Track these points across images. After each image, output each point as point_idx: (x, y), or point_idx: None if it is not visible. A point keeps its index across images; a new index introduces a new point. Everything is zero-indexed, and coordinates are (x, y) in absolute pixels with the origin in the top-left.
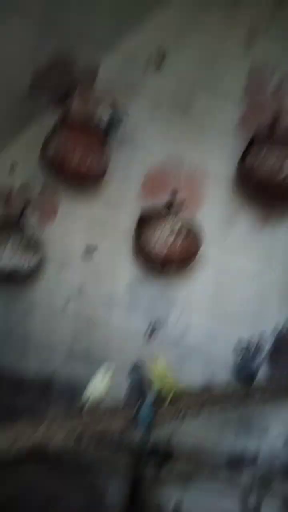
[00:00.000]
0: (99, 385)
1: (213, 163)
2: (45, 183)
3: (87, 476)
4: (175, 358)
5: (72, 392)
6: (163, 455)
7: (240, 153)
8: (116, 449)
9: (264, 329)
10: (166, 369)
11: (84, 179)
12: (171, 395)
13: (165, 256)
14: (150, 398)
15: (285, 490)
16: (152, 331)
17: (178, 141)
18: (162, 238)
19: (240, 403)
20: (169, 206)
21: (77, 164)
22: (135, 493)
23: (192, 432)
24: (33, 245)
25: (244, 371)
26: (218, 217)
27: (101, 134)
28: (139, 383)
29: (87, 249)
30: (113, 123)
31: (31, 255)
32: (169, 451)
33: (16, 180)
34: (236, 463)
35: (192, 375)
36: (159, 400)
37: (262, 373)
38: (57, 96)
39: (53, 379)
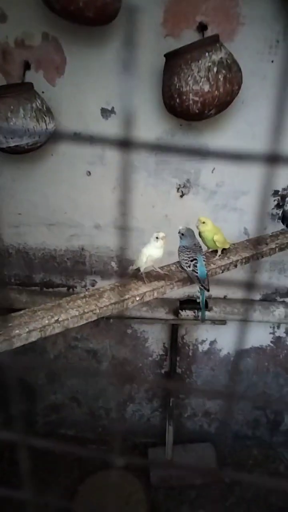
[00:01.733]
0: (153, 252)
1: None
2: (45, 32)
3: (129, 328)
4: (210, 216)
5: (105, 261)
6: (198, 304)
7: None
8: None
9: None
10: (213, 225)
11: (96, 19)
12: (221, 248)
13: (204, 100)
14: (201, 257)
15: None
16: (183, 190)
17: None
18: (199, 76)
19: (284, 246)
20: (202, 39)
21: (85, 2)
22: (173, 339)
23: (227, 281)
24: (45, 111)
25: (284, 219)
26: (257, 48)
27: None
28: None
29: (104, 109)
30: None
31: (45, 124)
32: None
33: (10, 33)
34: (268, 300)
35: (229, 231)
36: (209, 255)
37: None
38: None
39: (85, 251)
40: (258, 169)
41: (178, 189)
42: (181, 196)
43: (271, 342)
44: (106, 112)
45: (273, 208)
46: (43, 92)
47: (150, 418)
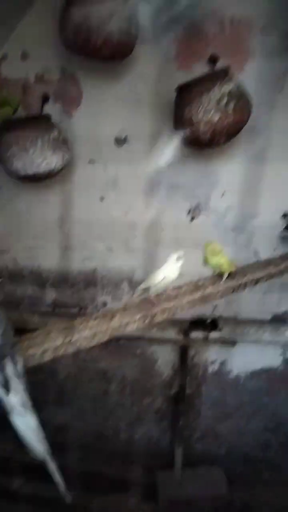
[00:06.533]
0: (170, 273)
1: (259, 11)
2: (63, 67)
3: (139, 349)
4: (219, 239)
5: (116, 282)
6: (209, 325)
7: None
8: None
9: None
10: (220, 249)
11: (112, 56)
12: (227, 273)
13: (214, 130)
14: None
15: None
16: (193, 214)
17: None
18: (210, 107)
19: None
20: (213, 71)
21: (102, 42)
22: (183, 360)
23: (236, 301)
24: (62, 141)
25: None
26: (268, 77)
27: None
28: None
29: (118, 138)
30: None
31: (61, 152)
32: (214, 321)
33: (30, 70)
34: (278, 321)
35: (236, 253)
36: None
37: None
38: None
39: (97, 272)
40: (267, 192)
41: (188, 212)
42: (192, 219)
43: (282, 363)
44: (119, 141)
45: (282, 230)
46: (60, 123)
47: (159, 440)
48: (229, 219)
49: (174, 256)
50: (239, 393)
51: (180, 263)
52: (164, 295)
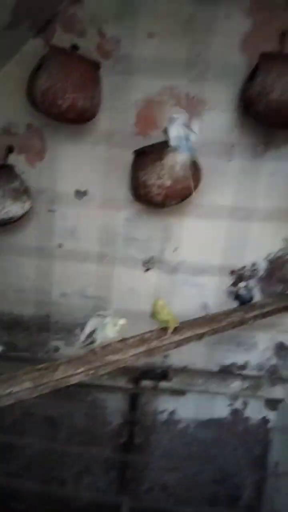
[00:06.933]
0: (109, 333)
1: (213, 90)
2: (30, 123)
3: (88, 396)
4: (171, 291)
5: (69, 328)
6: (159, 375)
7: (244, 78)
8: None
9: (258, 256)
10: (165, 305)
11: (76, 120)
12: (172, 328)
13: (166, 193)
14: None
15: (267, 394)
16: (147, 266)
17: (173, 69)
18: (163, 174)
19: (238, 323)
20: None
21: (69, 105)
22: (133, 407)
23: (186, 352)
24: (23, 191)
25: (240, 297)
26: (218, 147)
27: (93, 67)
28: None
29: (78, 191)
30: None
31: (21, 202)
32: (165, 371)
33: None
34: (226, 372)
35: (186, 305)
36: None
37: (256, 296)
38: (40, 24)
39: (50, 318)
40: (217, 249)
41: (143, 264)
42: (146, 271)
43: (230, 414)
44: (79, 194)
45: (229, 286)
46: (23, 173)
47: (106, 491)
48: (181, 273)
49: (119, 322)
50: (187, 443)
51: (120, 327)
52: (110, 347)
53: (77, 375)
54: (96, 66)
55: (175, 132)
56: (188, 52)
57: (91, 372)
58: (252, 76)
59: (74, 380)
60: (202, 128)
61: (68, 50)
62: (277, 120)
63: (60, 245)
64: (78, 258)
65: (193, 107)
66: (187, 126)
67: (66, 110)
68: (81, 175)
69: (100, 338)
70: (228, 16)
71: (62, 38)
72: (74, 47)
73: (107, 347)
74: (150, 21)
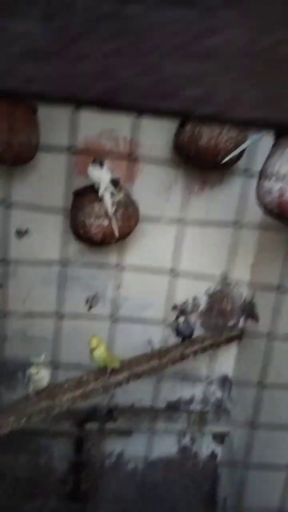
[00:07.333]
0: (42, 376)
1: (148, 135)
2: None
3: (31, 443)
4: (113, 328)
5: (10, 372)
6: (104, 416)
7: (176, 124)
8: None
9: (198, 291)
10: (101, 343)
11: (13, 163)
12: (110, 368)
13: (104, 232)
14: None
15: (215, 429)
16: (91, 303)
17: (112, 115)
18: (100, 213)
19: (178, 358)
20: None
21: (5, 146)
22: (79, 452)
23: (132, 390)
24: None
25: (181, 331)
26: (154, 188)
27: (30, 110)
28: None
29: (19, 230)
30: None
31: None
32: (110, 411)
33: None
34: (173, 408)
35: (131, 341)
36: (101, 371)
37: (197, 331)
38: None
39: None
40: (159, 285)
41: (86, 302)
42: (89, 309)
43: (178, 451)
44: (20, 233)
45: (173, 321)
46: None
47: None
48: (124, 309)
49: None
50: (137, 485)
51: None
52: (44, 392)
53: (8, 425)
54: (32, 109)
55: (97, 176)
56: None
57: (23, 420)
58: (182, 123)
59: (5, 430)
60: (143, 169)
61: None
62: (207, 164)
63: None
64: (19, 298)
65: (131, 149)
66: (108, 169)
67: (2, 153)
68: (22, 215)
69: (34, 384)
70: None
71: None
72: None
73: (41, 393)
74: None
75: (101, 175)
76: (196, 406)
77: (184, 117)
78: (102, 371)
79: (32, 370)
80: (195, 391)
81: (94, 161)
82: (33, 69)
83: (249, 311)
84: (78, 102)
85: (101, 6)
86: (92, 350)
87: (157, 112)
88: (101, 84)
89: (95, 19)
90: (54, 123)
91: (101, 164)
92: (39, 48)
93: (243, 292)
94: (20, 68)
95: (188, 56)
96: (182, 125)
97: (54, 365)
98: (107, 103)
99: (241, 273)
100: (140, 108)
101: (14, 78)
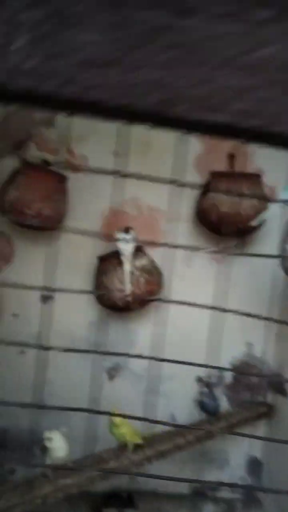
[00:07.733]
0: (59, 449)
1: (171, 202)
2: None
3: None
4: (136, 399)
5: (29, 442)
6: (124, 501)
7: (198, 192)
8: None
9: (223, 363)
10: (122, 420)
11: (43, 227)
12: (132, 445)
13: (128, 297)
14: None
15: None
16: (112, 373)
17: (136, 183)
18: (124, 277)
19: (204, 437)
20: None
21: (36, 213)
22: None
23: (154, 472)
24: None
25: (206, 406)
26: (177, 255)
27: (60, 180)
28: None
29: (43, 296)
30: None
31: None
32: (131, 496)
33: None
34: (197, 495)
35: (154, 415)
36: (122, 448)
37: (224, 405)
38: (14, 143)
39: (9, 431)
40: (182, 355)
41: (107, 371)
42: (110, 378)
43: None
44: (45, 298)
45: (196, 394)
46: None
47: None
48: (146, 381)
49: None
50: None
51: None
52: (60, 470)
53: (17, 506)
54: (62, 178)
55: (123, 246)
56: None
57: (37, 501)
58: (205, 191)
59: (18, 510)
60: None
61: (39, 165)
62: (228, 230)
63: (21, 352)
64: (41, 368)
65: (154, 217)
66: (133, 236)
67: (33, 218)
68: (47, 279)
69: (51, 457)
70: (182, 140)
71: (35, 155)
72: (45, 162)
73: (58, 470)
74: (114, 142)
75: (126, 242)
76: (223, 493)
77: (230, 132)
78: (122, 448)
79: (49, 442)
80: (223, 475)
81: (119, 228)
82: (91, 77)
83: (276, 384)
84: (134, 111)
85: (158, 18)
86: (114, 427)
87: (205, 126)
88: (157, 93)
89: (152, 31)
90: (83, 190)
91: (127, 231)
92: (98, 58)
93: (270, 364)
94: (80, 77)
95: (238, 69)
96: (204, 193)
97: (71, 438)
98: (160, 113)
99: (267, 344)
100: (189, 121)
101: (73, 86)
